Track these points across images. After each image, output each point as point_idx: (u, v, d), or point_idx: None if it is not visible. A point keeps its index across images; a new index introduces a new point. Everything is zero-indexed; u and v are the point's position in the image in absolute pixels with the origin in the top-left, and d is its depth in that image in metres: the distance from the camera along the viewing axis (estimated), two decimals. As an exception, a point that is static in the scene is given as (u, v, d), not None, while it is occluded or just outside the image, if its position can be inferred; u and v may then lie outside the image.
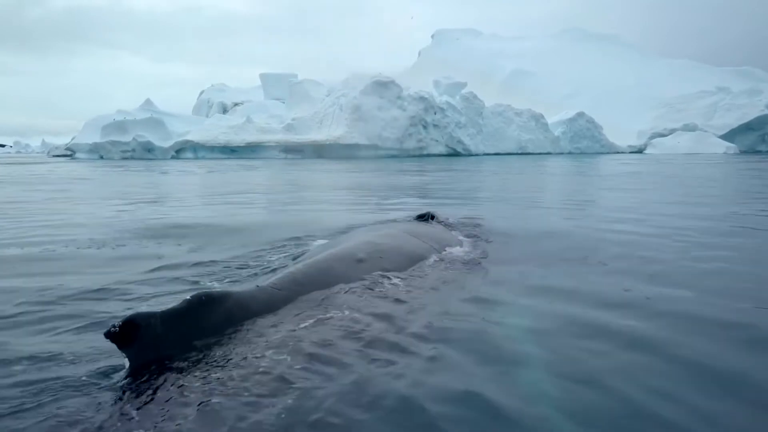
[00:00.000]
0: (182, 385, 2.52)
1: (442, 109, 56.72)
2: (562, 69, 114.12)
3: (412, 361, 2.87)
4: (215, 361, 2.77)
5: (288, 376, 2.61)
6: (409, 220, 7.13)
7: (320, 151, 52.55)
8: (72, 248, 6.32)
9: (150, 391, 2.50)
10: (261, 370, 2.66)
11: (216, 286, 4.45)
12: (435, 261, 5.07)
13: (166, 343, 2.83)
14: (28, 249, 6.31)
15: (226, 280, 4.71)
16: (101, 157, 55.42)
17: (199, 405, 2.36)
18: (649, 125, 75.77)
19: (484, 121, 61.23)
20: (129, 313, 2.85)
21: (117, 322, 2.72)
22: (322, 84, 69.95)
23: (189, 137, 56.16)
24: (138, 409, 2.36)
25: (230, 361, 2.75)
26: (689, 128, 69.87)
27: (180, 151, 55.87)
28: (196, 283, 4.60)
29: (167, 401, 2.40)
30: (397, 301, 3.81)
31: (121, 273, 4.96)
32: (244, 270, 5.05)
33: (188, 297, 3.04)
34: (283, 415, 2.31)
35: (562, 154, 63.36)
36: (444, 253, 5.40)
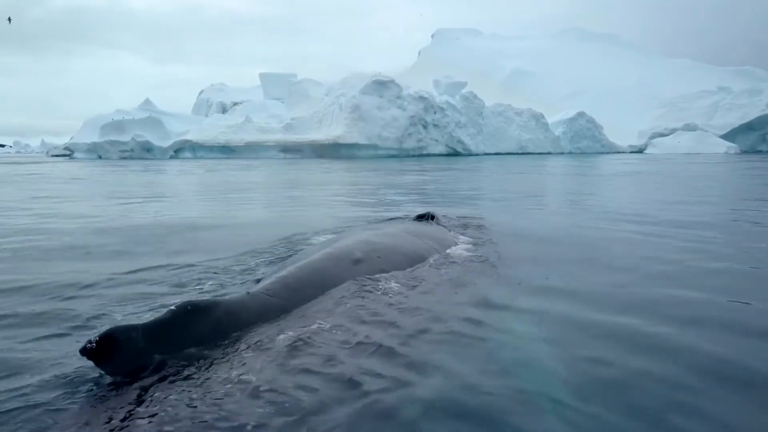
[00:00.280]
0: (160, 403, 2.32)
1: (442, 109, 56.54)
2: (563, 69, 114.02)
3: (412, 373, 2.67)
4: (199, 377, 2.54)
5: (278, 396, 2.39)
6: (408, 221, 6.95)
7: (319, 151, 52.38)
8: (44, 248, 6.15)
9: (122, 408, 2.29)
10: (250, 387, 2.43)
11: (206, 290, 4.23)
12: (435, 261, 4.89)
13: (148, 357, 2.60)
14: None
15: (210, 282, 4.44)
16: (99, 157, 55.20)
17: (176, 425, 2.16)
18: (649, 125, 75.63)
19: (484, 121, 61.06)
20: (105, 327, 2.61)
21: (93, 336, 2.48)
22: (322, 83, 69.80)
23: (188, 137, 55.99)
24: (106, 423, 2.16)
25: (215, 378, 2.52)
26: (690, 128, 69.74)
27: (179, 150, 55.70)
28: (177, 285, 4.34)
29: (141, 419, 2.20)
30: (397, 306, 3.62)
31: (91, 274, 4.71)
32: (229, 272, 4.79)
33: (173, 307, 2.80)
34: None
35: (562, 154, 63.23)
36: (444, 253, 5.24)
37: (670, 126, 72.45)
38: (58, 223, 8.29)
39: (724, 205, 10.92)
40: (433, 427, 2.24)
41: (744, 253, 5.77)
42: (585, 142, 67.30)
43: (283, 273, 3.90)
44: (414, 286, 4.07)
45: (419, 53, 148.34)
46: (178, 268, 4.87)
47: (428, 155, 53.92)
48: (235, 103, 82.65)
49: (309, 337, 2.98)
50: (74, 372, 2.63)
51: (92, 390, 2.46)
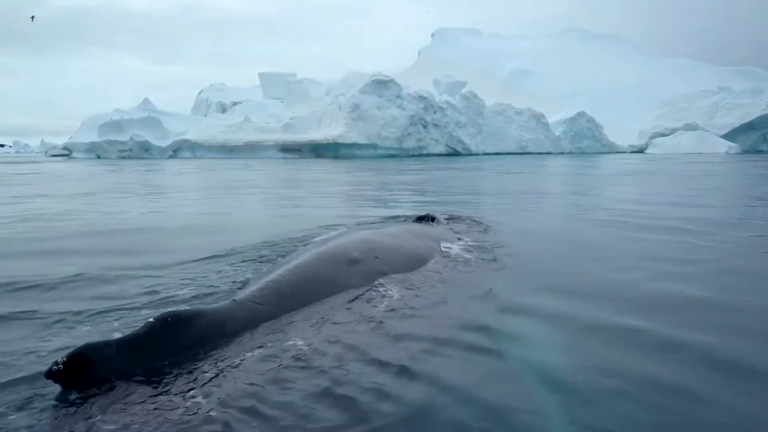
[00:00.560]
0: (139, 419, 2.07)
1: (442, 109, 56.32)
2: (563, 68, 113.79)
3: (412, 384, 2.46)
4: (177, 394, 2.29)
5: (265, 413, 2.17)
6: (407, 222, 6.75)
7: (319, 151, 52.19)
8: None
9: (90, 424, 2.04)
10: (236, 405, 2.20)
11: (186, 296, 3.96)
12: (436, 262, 4.69)
13: (123, 376, 2.32)
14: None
15: (190, 287, 4.13)
16: (98, 157, 54.95)
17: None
18: (650, 125, 75.40)
19: (485, 121, 60.84)
20: (74, 345, 2.33)
21: (60, 357, 2.19)
22: (321, 83, 69.59)
23: (187, 136, 55.78)
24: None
25: (195, 395, 2.28)
26: (691, 128, 69.53)
27: (177, 150, 55.49)
28: (152, 292, 4.01)
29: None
30: (397, 311, 3.39)
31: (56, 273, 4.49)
32: (208, 276, 4.52)
33: (151, 319, 2.54)
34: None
35: (562, 153, 63.03)
36: (446, 254, 5.05)
37: (671, 126, 72.22)
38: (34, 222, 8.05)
39: (729, 204, 10.80)
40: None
41: (753, 251, 5.64)
42: (585, 142, 67.09)
43: (273, 277, 3.65)
44: (415, 292, 3.83)
45: (419, 53, 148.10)
46: (153, 269, 4.65)
47: (428, 155, 53.71)
48: (235, 103, 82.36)
49: (298, 351, 2.74)
50: (28, 386, 2.37)
51: (46, 407, 2.21)
